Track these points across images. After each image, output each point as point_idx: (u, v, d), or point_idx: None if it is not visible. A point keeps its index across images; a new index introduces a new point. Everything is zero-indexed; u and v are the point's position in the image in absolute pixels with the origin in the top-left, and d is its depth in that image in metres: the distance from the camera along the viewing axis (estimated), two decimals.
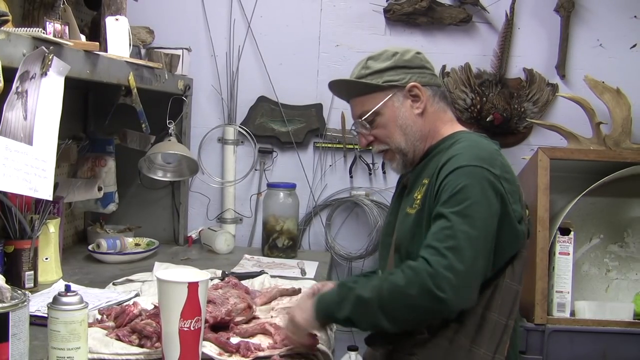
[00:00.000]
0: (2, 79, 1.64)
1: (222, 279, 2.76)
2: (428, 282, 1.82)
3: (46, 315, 1.75)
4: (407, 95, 2.18)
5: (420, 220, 2.03)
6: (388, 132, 2.21)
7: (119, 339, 2.00)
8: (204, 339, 1.93)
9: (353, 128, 2.31)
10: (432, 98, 2.21)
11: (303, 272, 3.08)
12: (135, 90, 2.60)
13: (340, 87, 2.30)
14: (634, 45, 3.68)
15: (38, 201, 2.53)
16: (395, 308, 1.89)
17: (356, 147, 3.68)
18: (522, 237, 2.04)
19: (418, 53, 2.25)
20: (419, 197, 2.09)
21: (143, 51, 3.15)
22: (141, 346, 1.98)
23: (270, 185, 3.54)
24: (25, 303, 1.64)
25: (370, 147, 2.30)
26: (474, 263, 1.87)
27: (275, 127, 3.72)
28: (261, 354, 2.00)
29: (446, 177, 1.97)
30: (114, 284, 2.71)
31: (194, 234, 3.67)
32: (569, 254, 3.09)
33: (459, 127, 2.26)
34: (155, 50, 3.16)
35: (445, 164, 2.01)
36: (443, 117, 2.24)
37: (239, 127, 3.70)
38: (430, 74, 2.24)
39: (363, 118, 2.21)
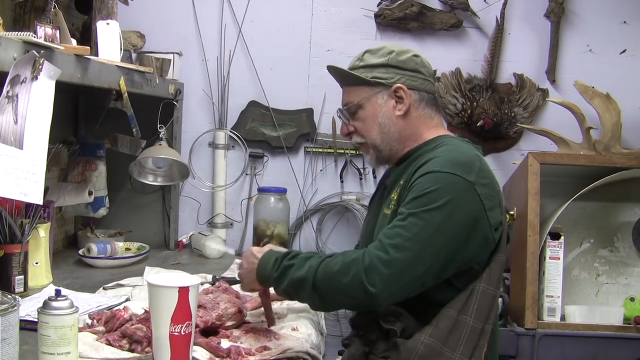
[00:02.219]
0: None
1: (212, 283, 2.76)
2: (361, 274, 1.87)
3: (36, 320, 1.75)
4: (391, 95, 2.19)
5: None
6: (367, 126, 2.23)
7: (109, 343, 2.00)
8: (195, 344, 1.92)
9: (338, 115, 2.34)
10: (418, 103, 2.22)
11: None
12: (126, 94, 2.60)
13: (334, 75, 2.33)
14: (624, 51, 3.69)
15: (28, 205, 2.52)
16: (326, 292, 1.95)
17: (347, 151, 3.69)
18: (493, 243, 2.03)
19: (415, 56, 2.26)
20: (395, 197, 2.11)
21: (134, 55, 3.15)
22: (131, 351, 1.98)
23: (261, 190, 3.54)
24: (15, 307, 1.64)
25: (349, 138, 2.33)
26: (414, 265, 1.88)
27: (266, 131, 3.72)
28: (252, 358, 1.99)
29: (417, 179, 1.99)
30: (104, 288, 2.70)
31: (184, 239, 3.66)
32: (559, 258, 3.10)
33: (444, 132, 2.26)
34: (146, 54, 3.16)
35: (421, 167, 2.03)
36: (428, 122, 2.24)
37: (230, 131, 3.70)
38: (422, 78, 2.24)
39: (345, 108, 2.26)
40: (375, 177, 3.75)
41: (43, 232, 2.70)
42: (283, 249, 2.25)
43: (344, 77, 2.27)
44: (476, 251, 2.00)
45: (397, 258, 1.87)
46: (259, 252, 2.17)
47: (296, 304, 2.45)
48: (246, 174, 3.79)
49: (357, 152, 3.70)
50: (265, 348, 2.06)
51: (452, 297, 2.01)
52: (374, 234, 2.19)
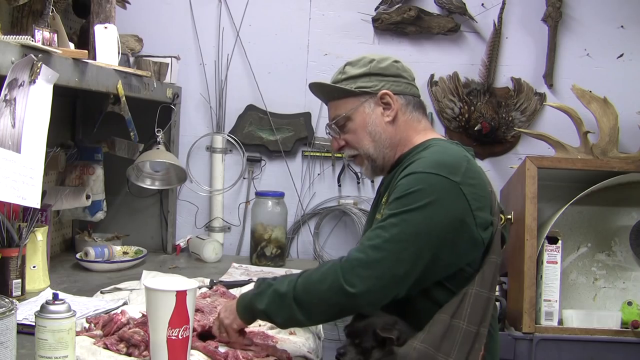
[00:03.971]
0: None
1: (210, 287, 2.76)
2: (339, 277, 1.88)
3: (34, 324, 1.74)
4: (378, 103, 2.19)
5: None
6: (358, 137, 2.22)
7: (106, 347, 2.00)
8: (192, 348, 1.92)
9: (327, 131, 2.33)
10: (405, 107, 2.21)
11: None
12: (123, 98, 2.60)
13: (318, 90, 2.32)
14: (621, 55, 3.70)
15: (26, 209, 2.52)
16: (307, 301, 1.94)
17: (344, 156, 3.68)
18: (482, 244, 2.01)
19: (396, 61, 2.25)
20: (384, 202, 2.11)
21: (132, 59, 3.15)
22: (129, 355, 1.98)
23: (259, 194, 3.54)
24: (13, 311, 1.64)
25: (342, 152, 2.33)
26: (394, 266, 1.89)
27: (263, 135, 3.72)
28: None
29: (399, 181, 2.00)
30: (101, 292, 2.70)
31: (182, 243, 3.66)
32: (556, 262, 3.10)
33: (433, 135, 2.25)
34: (144, 58, 3.16)
35: (405, 169, 2.04)
36: (417, 126, 2.23)
37: (228, 135, 3.70)
38: (405, 82, 2.23)
39: (334, 122, 2.24)
40: (372, 182, 3.74)
41: (40, 235, 2.70)
42: None
43: (328, 92, 2.27)
44: (464, 252, 1.99)
45: (375, 258, 1.88)
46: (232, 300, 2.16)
47: None
48: (244, 178, 3.79)
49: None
50: (263, 352, 2.06)
51: (447, 299, 2.00)
52: None
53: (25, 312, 2.21)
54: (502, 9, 3.64)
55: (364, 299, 1.88)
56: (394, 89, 2.20)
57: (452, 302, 1.99)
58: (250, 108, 3.73)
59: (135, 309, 2.31)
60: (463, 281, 2.01)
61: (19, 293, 2.50)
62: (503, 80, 3.74)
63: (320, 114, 3.72)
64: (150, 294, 1.81)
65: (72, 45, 2.49)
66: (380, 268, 1.88)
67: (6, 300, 1.67)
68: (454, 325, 1.97)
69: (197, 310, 2.14)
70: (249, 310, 2.04)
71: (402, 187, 1.97)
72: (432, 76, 3.71)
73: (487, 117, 3.59)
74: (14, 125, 1.81)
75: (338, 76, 2.24)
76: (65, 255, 3.42)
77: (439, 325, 1.96)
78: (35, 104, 1.89)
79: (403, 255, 1.90)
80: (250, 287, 2.83)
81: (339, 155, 3.70)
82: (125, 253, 3.35)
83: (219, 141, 3.71)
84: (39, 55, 1.87)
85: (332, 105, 2.28)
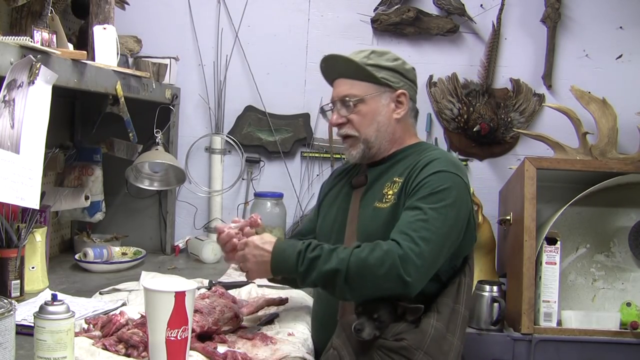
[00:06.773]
0: None
1: (209, 288, 2.75)
2: (398, 265, 1.97)
3: (32, 325, 1.74)
4: (394, 99, 2.32)
5: (395, 213, 2.16)
6: (365, 121, 2.32)
7: (105, 348, 1.99)
8: (191, 349, 1.92)
9: (331, 105, 2.40)
10: (410, 111, 2.38)
11: None
12: (122, 99, 2.60)
13: (335, 63, 2.37)
14: (620, 56, 3.70)
15: (25, 210, 2.52)
16: (360, 283, 2.02)
17: (343, 156, 3.69)
18: (475, 239, 2.29)
19: (413, 69, 2.40)
20: (390, 192, 2.23)
21: (130, 60, 3.15)
22: (128, 356, 1.97)
23: (258, 195, 3.54)
24: (12, 312, 1.64)
25: (339, 128, 2.38)
26: (437, 257, 2.07)
27: (262, 136, 3.72)
28: None
29: (428, 177, 2.14)
30: (100, 293, 2.70)
31: (181, 243, 3.66)
32: (555, 263, 3.10)
33: (420, 140, 2.46)
34: (143, 59, 3.16)
35: (426, 166, 2.17)
36: (411, 130, 2.43)
37: (226, 136, 3.70)
38: (415, 91, 2.40)
39: (347, 98, 2.31)
40: None
41: (39, 236, 2.70)
42: (289, 240, 2.37)
43: (350, 69, 2.32)
44: (465, 245, 2.22)
45: (426, 249, 2.02)
46: (263, 243, 2.18)
47: (293, 306, 2.57)
48: (243, 179, 3.79)
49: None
50: (262, 353, 2.06)
51: (438, 291, 2.18)
52: (361, 227, 2.26)
53: (24, 312, 2.21)
54: (501, 10, 3.64)
55: (415, 287, 2.00)
56: (409, 92, 2.35)
57: (450, 290, 2.20)
58: (249, 109, 3.73)
59: (134, 310, 2.30)
60: (453, 272, 2.23)
61: (18, 294, 2.49)
62: (502, 81, 3.74)
63: (319, 115, 3.71)
64: (149, 294, 1.80)
65: (71, 46, 2.49)
66: (430, 258, 2.03)
67: (5, 301, 1.67)
68: (456, 309, 2.17)
69: (195, 311, 2.14)
70: (286, 275, 2.19)
71: (434, 183, 2.12)
72: (431, 77, 3.71)
73: (486, 118, 3.60)
74: (12, 126, 1.81)
75: (363, 59, 2.31)
76: (64, 256, 3.42)
77: (446, 308, 2.15)
78: (34, 104, 1.89)
79: (444, 247, 2.09)
80: (248, 288, 2.83)
81: (338, 155, 3.71)
82: (124, 254, 3.35)
83: (218, 142, 3.71)
84: (38, 56, 1.87)
85: (347, 82, 2.34)
